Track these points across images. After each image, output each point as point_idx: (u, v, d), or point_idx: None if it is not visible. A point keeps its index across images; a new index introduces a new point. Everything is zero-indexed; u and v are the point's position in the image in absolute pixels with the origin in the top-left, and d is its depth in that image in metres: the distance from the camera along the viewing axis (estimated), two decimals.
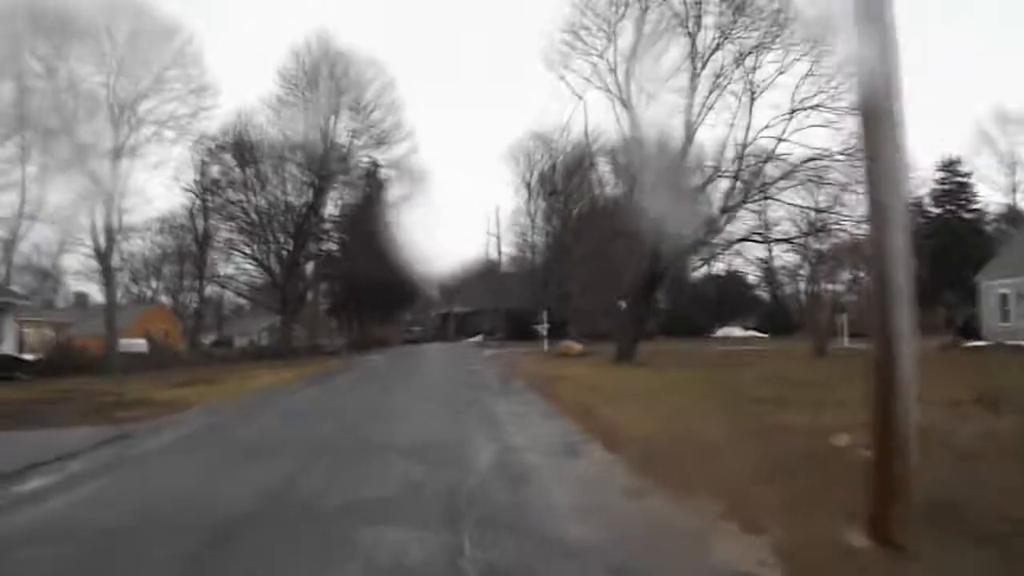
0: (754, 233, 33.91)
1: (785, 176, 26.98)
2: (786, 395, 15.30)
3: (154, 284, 70.96)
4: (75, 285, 64.83)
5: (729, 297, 69.83)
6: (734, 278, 70.47)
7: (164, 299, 69.39)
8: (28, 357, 35.66)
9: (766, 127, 26.94)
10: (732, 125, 26.94)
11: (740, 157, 26.49)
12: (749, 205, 29.59)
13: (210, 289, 67.37)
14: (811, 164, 26.77)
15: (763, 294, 75.91)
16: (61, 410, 16.92)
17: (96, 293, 63.79)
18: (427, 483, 8.25)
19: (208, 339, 69.04)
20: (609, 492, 7.90)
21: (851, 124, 25.29)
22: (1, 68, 42.49)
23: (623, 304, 33.77)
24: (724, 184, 28.44)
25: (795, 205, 29.44)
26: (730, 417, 12.49)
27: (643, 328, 30.21)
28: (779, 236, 35.03)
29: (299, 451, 10.60)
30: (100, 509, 7.76)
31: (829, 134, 26.48)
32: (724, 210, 27.44)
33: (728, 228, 30.32)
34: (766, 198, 28.41)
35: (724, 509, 6.75)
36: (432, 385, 23.27)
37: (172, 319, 64.61)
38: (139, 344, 21.56)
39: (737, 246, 36.75)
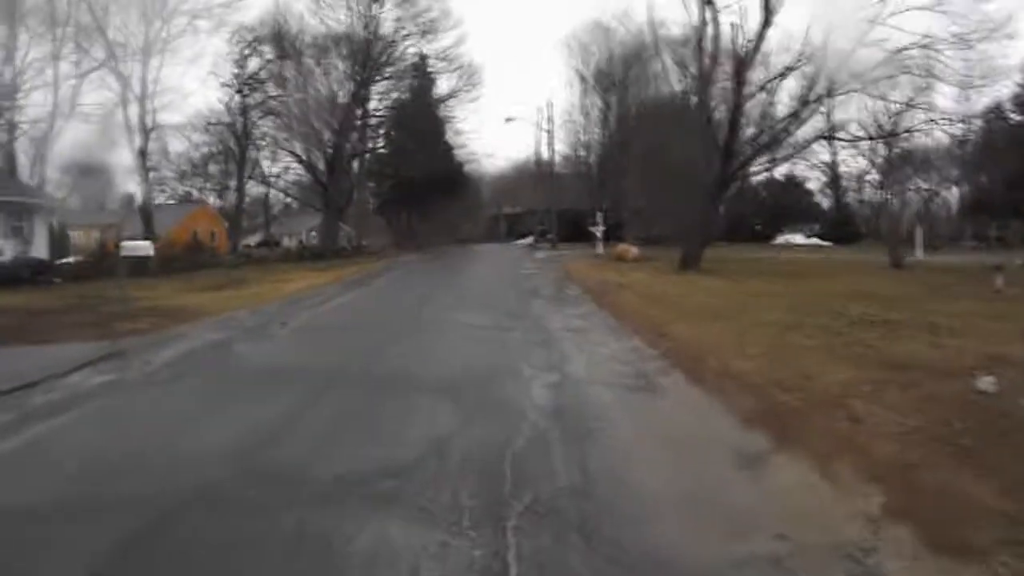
0: (837, 130, 30.71)
1: (879, 66, 23.71)
2: (887, 316, 13.03)
3: (201, 184, 69.72)
4: (125, 186, 63.69)
5: (788, 203, 66.38)
6: (793, 183, 66.84)
7: (211, 199, 68.23)
8: (69, 260, 34.64)
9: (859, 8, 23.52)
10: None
11: (826, 43, 23.27)
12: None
13: (256, 188, 66.05)
14: (909, 53, 23.44)
15: (824, 201, 72.30)
16: (63, 321, 15.03)
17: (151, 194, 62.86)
18: (458, 442, 5.98)
19: (254, 239, 67.94)
20: (718, 459, 5.60)
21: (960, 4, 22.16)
22: None
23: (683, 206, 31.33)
24: (805, 74, 25.23)
25: (886, 100, 26.11)
26: (839, 348, 10.13)
27: (710, 233, 27.48)
28: (857, 135, 31.45)
29: (302, 385, 8.33)
30: (21, 474, 5.71)
31: (931, 18, 23.25)
32: (805, 102, 24.33)
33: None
34: (853, 91, 25.20)
35: (902, 504, 4.48)
36: (477, 292, 20.99)
37: (218, 219, 63.33)
38: (143, 247, 19.99)
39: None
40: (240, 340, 12.30)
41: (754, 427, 6.36)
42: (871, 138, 34.15)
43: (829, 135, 29.09)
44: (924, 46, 22.84)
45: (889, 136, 32.80)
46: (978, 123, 51.86)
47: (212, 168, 65.83)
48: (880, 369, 8.53)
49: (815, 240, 62.95)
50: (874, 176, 68.06)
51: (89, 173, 59.48)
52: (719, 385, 7.97)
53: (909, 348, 10.02)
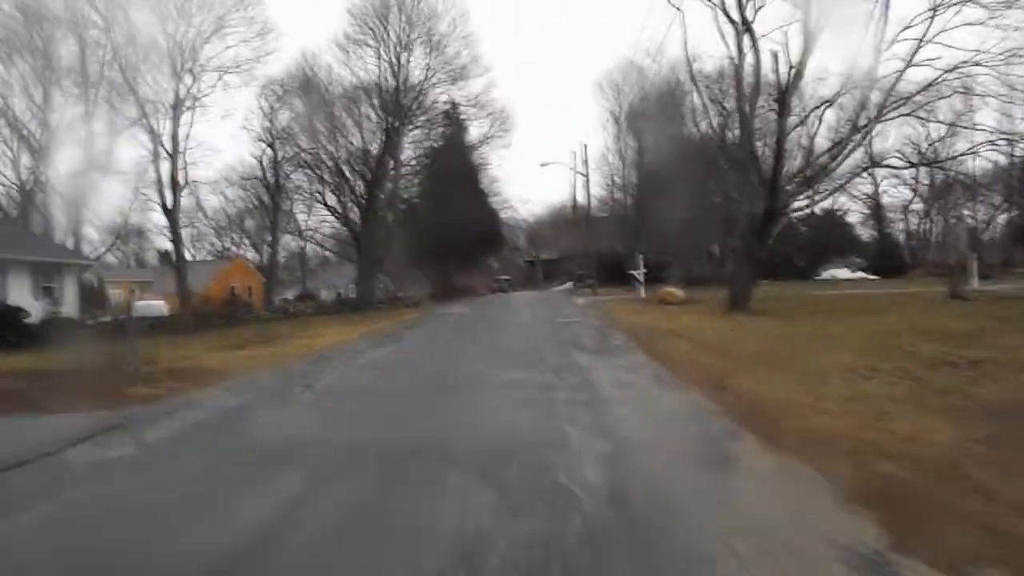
0: (877, 160, 29.31)
1: (928, 87, 22.36)
2: (967, 355, 11.77)
3: (238, 239, 69.86)
4: (163, 243, 63.82)
5: (829, 237, 64.69)
6: (832, 216, 65.15)
7: (249, 254, 68.19)
8: (106, 319, 34.37)
9: (905, 28, 22.26)
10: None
11: (875, 65, 22.00)
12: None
13: (294, 242, 65.92)
14: (960, 71, 22.09)
15: (864, 233, 70.53)
16: (71, 385, 14.10)
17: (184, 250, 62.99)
18: (494, 545, 4.81)
19: (291, 293, 67.65)
20: (830, 566, 4.35)
21: (1014, 18, 20.87)
22: (63, 25, 41.34)
23: (727, 245, 30.24)
24: (852, 102, 23.93)
25: (935, 122, 24.75)
26: (929, 397, 8.90)
27: (757, 272, 26.16)
28: (909, 161, 30.01)
29: (316, 465, 7.11)
30: None
31: (981, 34, 21.99)
32: (855, 129, 23.05)
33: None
34: (903, 114, 23.85)
35: None
36: (516, 344, 19.67)
37: (255, 274, 63.17)
38: (157, 306, 19.37)
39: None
40: (257, 407, 11.23)
41: (860, 511, 5.11)
42: (922, 164, 32.80)
43: (879, 163, 27.82)
44: (977, 63, 21.50)
45: (942, 161, 31.43)
46: None
47: (249, 223, 66.02)
48: (986, 422, 7.33)
49: (860, 274, 61.36)
50: (918, 205, 66.58)
51: (124, 231, 59.75)
52: (802, 451, 6.73)
53: (1008, 393, 8.82)
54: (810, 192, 25.18)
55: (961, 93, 23.42)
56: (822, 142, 25.66)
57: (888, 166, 29.29)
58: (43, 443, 8.59)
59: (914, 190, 65.09)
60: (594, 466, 6.63)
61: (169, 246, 57.91)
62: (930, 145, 52.68)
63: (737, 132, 29.77)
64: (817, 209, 57.14)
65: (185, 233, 60.85)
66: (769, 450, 6.96)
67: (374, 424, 9.41)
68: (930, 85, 22.01)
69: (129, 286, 54.66)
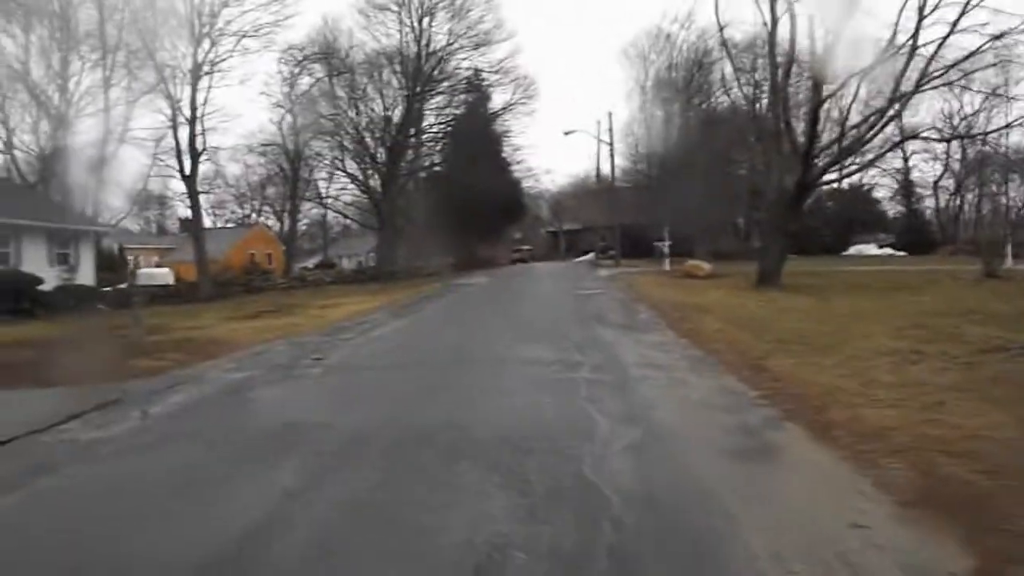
0: (908, 134, 28.13)
1: (972, 55, 21.22)
2: (1015, 339, 11.01)
3: (259, 206, 69.36)
4: (184, 210, 63.35)
5: (856, 213, 63.29)
6: (859, 192, 63.69)
7: (270, 221, 67.73)
8: (124, 286, 34.05)
9: None
10: None
11: (917, 29, 20.87)
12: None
13: (315, 210, 65.32)
14: (1010, 37, 20.91)
15: (891, 209, 69.04)
16: (75, 357, 13.55)
17: (204, 218, 62.55)
18: (512, 556, 4.15)
19: (312, 261, 67.24)
20: None
21: None
22: None
23: (753, 219, 29.40)
24: (891, 70, 22.77)
25: (981, 92, 23.52)
26: (986, 386, 8.17)
27: (788, 246, 25.26)
28: (946, 134, 28.86)
29: (317, 451, 6.49)
30: None
31: None
32: (892, 100, 22.01)
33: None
34: (948, 84, 22.67)
35: None
36: (538, 317, 18.89)
37: (275, 242, 62.71)
38: (162, 273, 18.87)
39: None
40: (263, 383, 10.58)
41: (929, 523, 4.43)
42: (960, 137, 31.56)
43: (916, 135, 26.67)
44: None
45: (981, 135, 30.17)
46: None
47: (270, 191, 65.39)
48: None
49: (888, 250, 60.14)
50: (948, 182, 65.05)
51: (145, 198, 59.37)
52: (855, 446, 6.03)
53: None
54: (844, 164, 24.15)
55: (1007, 62, 22.18)
56: (854, 114, 24.59)
57: (925, 138, 28.07)
58: (33, 419, 8.08)
59: (946, 165, 63.55)
60: (624, 460, 5.96)
61: (189, 213, 57.98)
62: (963, 119, 51.44)
63: (767, 103, 28.86)
64: (844, 184, 56.40)
65: (205, 200, 60.50)
66: (818, 445, 6.26)
67: (382, 406, 8.73)
68: (974, 53, 20.86)
69: (137, 253, 54.43)
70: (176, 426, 8.14)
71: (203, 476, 6.09)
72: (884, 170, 61.06)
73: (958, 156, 62.00)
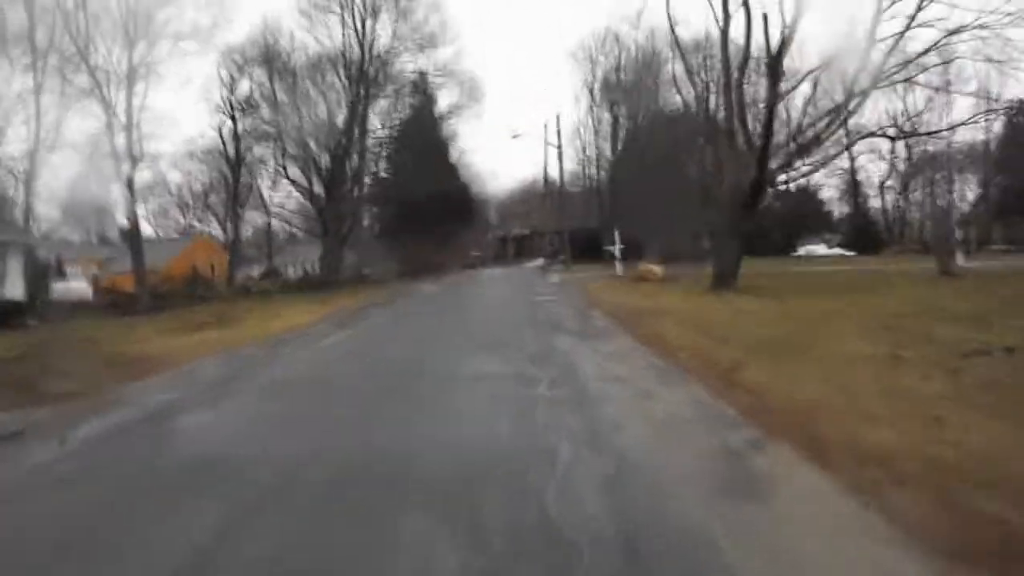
0: (888, 126, 27.62)
1: (928, 51, 20.80)
2: (994, 341, 10.44)
3: (202, 215, 67.62)
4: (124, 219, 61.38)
5: (803, 213, 63.52)
6: (805, 193, 63.91)
7: (214, 230, 65.98)
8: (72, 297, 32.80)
9: None
10: None
11: (875, 24, 20.30)
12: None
13: (261, 218, 63.83)
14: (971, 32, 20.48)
15: (836, 209, 69.51)
16: None
17: (146, 227, 60.74)
18: None
19: (257, 270, 65.71)
20: None
21: None
22: None
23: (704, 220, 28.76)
24: (849, 65, 22.18)
25: (941, 89, 23.17)
26: (979, 396, 7.46)
27: (743, 248, 24.68)
28: (903, 131, 28.51)
29: (240, 492, 5.51)
30: None
31: None
32: (849, 96, 21.53)
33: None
34: (907, 81, 22.22)
35: None
36: (490, 327, 17.96)
37: (219, 251, 61.08)
38: (77, 288, 17.84)
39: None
40: (190, 408, 9.54)
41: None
42: (921, 135, 31.36)
43: (876, 132, 26.22)
44: (982, 26, 19.98)
45: (941, 131, 29.86)
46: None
47: (213, 198, 63.68)
48: None
49: (837, 250, 60.47)
50: (894, 181, 65.44)
51: (80, 207, 57.35)
52: (858, 474, 5.25)
53: None
54: (800, 163, 23.64)
55: (962, 59, 21.83)
56: (809, 112, 24.09)
57: (882, 135, 27.56)
58: None
59: (892, 165, 63.97)
60: (593, 496, 5.12)
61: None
62: (908, 119, 51.61)
63: (718, 102, 28.41)
64: (791, 185, 56.38)
65: (147, 209, 58.75)
66: (815, 474, 5.46)
67: (319, 432, 7.73)
68: (933, 47, 20.44)
69: (95, 262, 52.71)
70: (79, 464, 7.09)
71: (94, 532, 5.07)
72: (832, 170, 61.25)
73: (904, 156, 62.57)
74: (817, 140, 22.51)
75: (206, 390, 10.81)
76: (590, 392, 8.91)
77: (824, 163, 26.49)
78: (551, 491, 5.19)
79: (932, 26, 20.14)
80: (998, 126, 53.97)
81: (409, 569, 4.11)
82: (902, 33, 20.17)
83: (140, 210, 45.19)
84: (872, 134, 25.53)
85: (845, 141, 24.95)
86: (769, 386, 8.46)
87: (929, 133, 30.40)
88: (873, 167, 65.28)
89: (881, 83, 21.38)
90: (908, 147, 61.31)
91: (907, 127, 48.06)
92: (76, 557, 4.60)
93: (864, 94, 21.61)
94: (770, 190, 39.25)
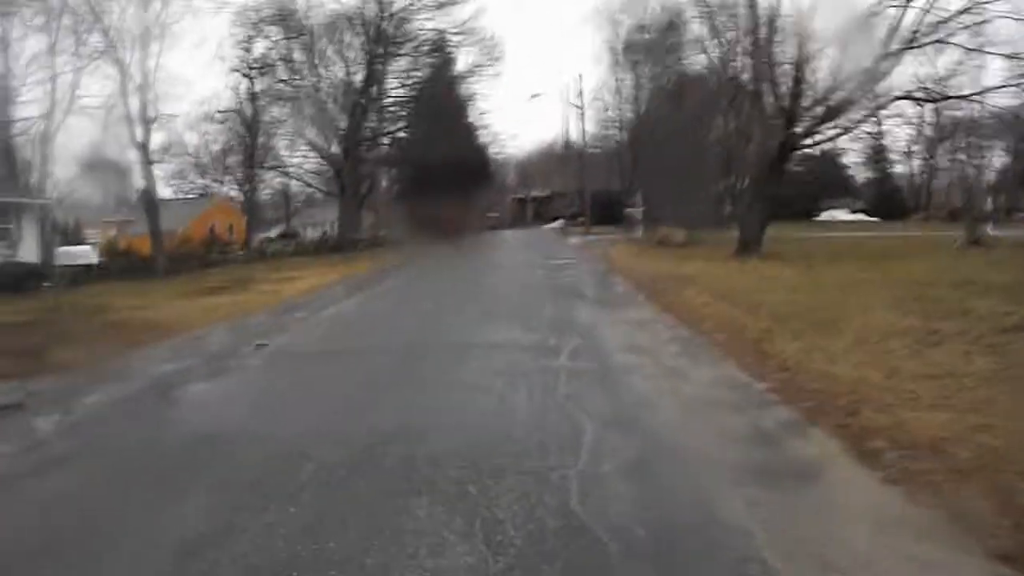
0: (917, 90, 26.60)
1: (967, 10, 19.86)
2: None
3: (220, 176, 67.17)
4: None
5: (826, 178, 62.34)
6: (827, 157, 62.71)
7: (233, 192, 65.49)
8: (77, 262, 32.48)
9: None
10: None
11: None
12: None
13: (279, 179, 63.29)
14: None
15: (859, 175, 68.15)
16: None
17: (165, 189, 60.45)
18: None
19: (275, 231, 65.33)
20: None
21: None
22: None
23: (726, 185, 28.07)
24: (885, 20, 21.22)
25: (983, 51, 22.04)
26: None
27: (770, 212, 24.00)
28: (935, 95, 27.46)
29: (235, 476, 5.21)
30: None
31: None
32: (882, 56, 20.70)
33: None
34: (939, 42, 21.23)
35: None
36: (507, 293, 17.39)
37: (237, 213, 60.73)
38: (83, 253, 17.61)
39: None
40: (194, 378, 9.14)
41: None
42: (955, 98, 30.05)
43: (909, 95, 25.18)
44: None
45: (973, 95, 28.69)
46: None
47: (231, 160, 63.17)
48: None
49: (860, 216, 59.53)
50: (921, 147, 64.09)
51: (98, 169, 57.04)
52: (909, 466, 4.78)
53: None
54: (828, 126, 22.81)
55: (1001, 17, 20.82)
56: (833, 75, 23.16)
57: (914, 99, 26.50)
58: None
59: (919, 130, 62.57)
60: (620, 486, 4.70)
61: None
62: (938, 82, 50.18)
63: (743, 64, 27.58)
64: (816, 149, 55.21)
65: (165, 171, 58.24)
66: (859, 463, 5.00)
67: (323, 408, 7.32)
68: (968, 8, 19.52)
69: (114, 224, 52.43)
70: (79, 441, 6.71)
71: (79, 520, 4.69)
72: (855, 135, 60.00)
73: (931, 121, 61.19)
74: (847, 103, 21.71)
75: (212, 359, 10.43)
76: (614, 365, 8.47)
77: (853, 126, 25.63)
78: (574, 479, 4.77)
79: None
80: None
81: (419, 565, 3.69)
82: None
83: (157, 172, 44.73)
84: (903, 97, 24.50)
85: (874, 104, 23.93)
86: (802, 361, 7.98)
87: (961, 96, 29.14)
88: (899, 132, 63.81)
89: (916, 44, 20.49)
90: (936, 112, 59.98)
91: (937, 91, 47.11)
92: (55, 555, 4.20)
93: (897, 56, 20.79)
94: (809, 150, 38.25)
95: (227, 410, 7.59)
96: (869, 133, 61.98)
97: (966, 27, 21.07)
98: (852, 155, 65.84)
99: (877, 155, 65.42)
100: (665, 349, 9.35)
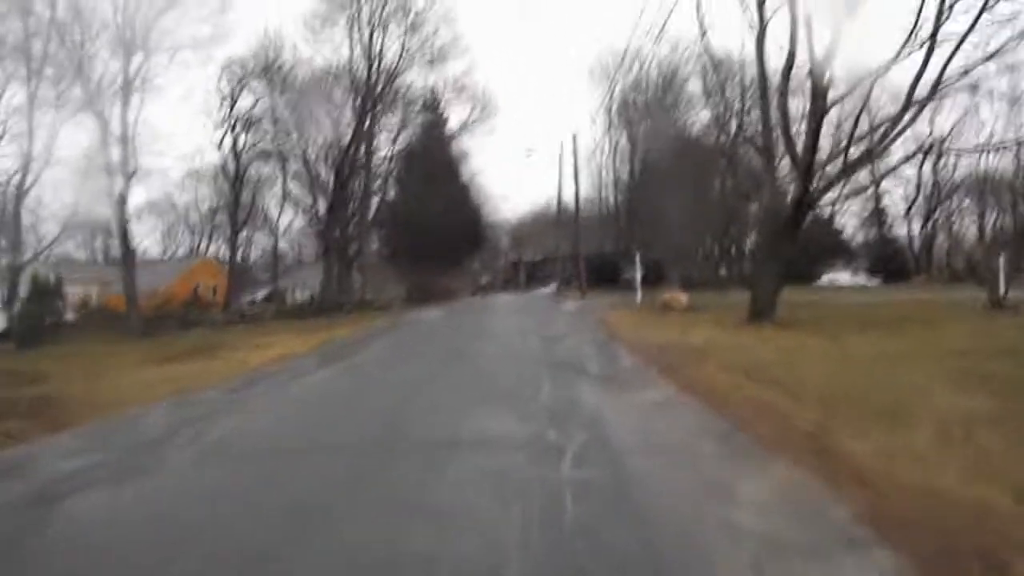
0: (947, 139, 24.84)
1: (999, 52, 18.23)
2: None
3: (208, 234, 65.90)
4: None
5: (822, 240, 61.02)
6: (820, 219, 61.43)
7: (222, 251, 64.08)
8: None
9: None
10: None
11: (938, 21, 17.79)
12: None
13: (266, 240, 62.01)
14: None
15: (857, 236, 66.70)
16: None
17: (152, 246, 59.14)
18: None
19: (261, 293, 63.78)
20: None
21: None
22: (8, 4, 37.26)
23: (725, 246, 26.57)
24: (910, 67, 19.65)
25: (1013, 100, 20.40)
26: None
27: (783, 276, 22.18)
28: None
29: None
30: None
31: None
32: (907, 105, 19.03)
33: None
34: (971, 86, 19.70)
35: None
36: (496, 368, 15.08)
37: (224, 273, 59.14)
38: None
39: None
40: (97, 481, 6.99)
41: None
42: (989, 149, 28.76)
43: (931, 148, 23.66)
44: None
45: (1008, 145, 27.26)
46: None
47: (221, 219, 61.77)
48: None
49: (862, 279, 58.22)
50: (922, 207, 62.89)
51: (79, 224, 55.34)
52: None
53: None
54: (847, 180, 21.10)
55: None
56: (853, 126, 21.54)
57: (950, 150, 25.07)
58: None
59: (918, 189, 61.51)
60: None
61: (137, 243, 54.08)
62: (932, 144, 49.43)
63: (744, 121, 26.14)
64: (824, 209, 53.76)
65: (153, 228, 56.76)
66: None
67: (244, 547, 5.23)
68: (1000, 50, 17.89)
69: (96, 282, 50.73)
70: None
71: None
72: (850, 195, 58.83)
73: (930, 180, 60.39)
74: (871, 154, 20.01)
75: (134, 451, 8.35)
76: (631, 473, 6.44)
77: (881, 179, 24.06)
78: None
79: (1000, 22, 17.63)
80: None
81: None
82: (971, 28, 17.51)
83: (146, 229, 43.34)
84: (928, 150, 22.95)
85: (901, 156, 22.22)
86: (885, 470, 6.03)
87: (998, 148, 27.70)
88: (897, 192, 62.80)
89: (943, 88, 18.84)
90: (935, 172, 59.32)
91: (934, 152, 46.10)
92: None
93: (924, 103, 19.16)
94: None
95: (117, 539, 5.50)
96: (867, 194, 61.03)
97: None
98: (848, 217, 64.80)
99: (877, 216, 64.24)
100: (696, 448, 7.34)
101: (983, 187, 55.22)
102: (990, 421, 7.49)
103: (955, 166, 51.94)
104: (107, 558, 5.11)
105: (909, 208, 63.06)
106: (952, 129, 47.84)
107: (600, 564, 4.41)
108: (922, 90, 19.03)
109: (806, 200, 20.18)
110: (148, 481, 7.13)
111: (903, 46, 17.91)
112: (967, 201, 59.55)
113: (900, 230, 64.86)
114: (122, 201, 38.65)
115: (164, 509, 6.25)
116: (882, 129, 19.57)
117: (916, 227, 63.87)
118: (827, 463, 6.39)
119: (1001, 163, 52.64)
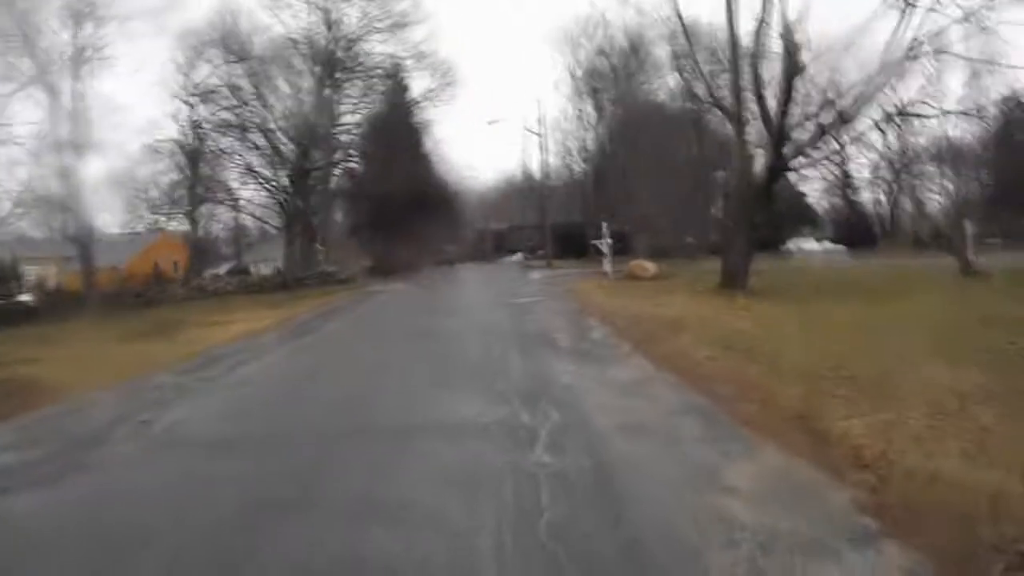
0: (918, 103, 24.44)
1: (975, 13, 17.82)
2: None
3: (169, 211, 64.38)
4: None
5: (788, 208, 60.93)
6: (786, 186, 61.22)
7: (183, 227, 62.55)
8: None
9: None
10: None
11: None
12: None
13: (229, 213, 60.61)
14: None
15: (821, 204, 66.58)
16: None
17: (112, 222, 57.69)
18: None
19: (224, 268, 62.57)
20: None
21: None
22: None
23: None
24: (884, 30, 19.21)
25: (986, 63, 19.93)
26: None
27: (754, 244, 21.81)
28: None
29: None
30: None
31: None
32: (883, 67, 18.63)
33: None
34: (941, 52, 19.22)
35: None
36: (461, 342, 14.58)
37: (183, 249, 57.94)
38: None
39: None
40: (28, 483, 6.39)
41: None
42: (960, 113, 28.35)
43: (906, 111, 23.20)
44: None
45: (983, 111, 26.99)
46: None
47: (181, 193, 60.34)
48: None
49: (828, 245, 58.24)
50: (885, 174, 62.73)
51: (32, 201, 53.83)
52: None
53: None
54: (818, 145, 20.65)
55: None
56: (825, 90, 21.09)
57: (916, 115, 24.53)
58: None
59: (885, 157, 61.27)
60: None
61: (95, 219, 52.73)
62: (900, 109, 49.06)
63: (714, 86, 25.65)
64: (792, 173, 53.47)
65: (113, 205, 55.26)
66: None
67: (184, 555, 4.70)
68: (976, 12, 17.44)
69: (54, 261, 49.60)
70: None
71: None
72: (821, 162, 58.53)
73: (896, 148, 60.12)
74: (843, 117, 19.55)
75: (72, 446, 7.72)
76: (612, 460, 5.96)
77: (852, 143, 23.67)
78: None
79: None
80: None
81: None
82: None
83: (104, 206, 42.26)
84: (905, 113, 22.57)
85: (875, 121, 21.78)
86: (882, 450, 5.60)
87: (971, 113, 27.40)
88: (862, 159, 62.63)
89: (915, 54, 18.39)
90: (900, 138, 59.14)
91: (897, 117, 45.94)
92: None
93: (900, 66, 18.72)
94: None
95: (40, 548, 4.93)
96: (832, 160, 60.80)
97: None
98: (813, 183, 64.55)
99: (843, 183, 64.05)
100: (678, 429, 6.86)
101: (948, 154, 55.01)
102: (981, 394, 7.12)
103: (920, 133, 51.49)
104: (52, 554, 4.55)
105: (875, 175, 62.94)
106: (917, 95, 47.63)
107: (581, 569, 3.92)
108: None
109: (778, 166, 19.75)
110: (80, 481, 6.51)
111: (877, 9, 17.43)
112: (932, 168, 59.28)
113: (864, 196, 64.82)
114: (75, 176, 37.64)
115: (86, 517, 5.60)
116: (854, 92, 19.12)
117: (881, 195, 63.87)
118: (818, 444, 5.98)
119: (967, 129, 52.42)
